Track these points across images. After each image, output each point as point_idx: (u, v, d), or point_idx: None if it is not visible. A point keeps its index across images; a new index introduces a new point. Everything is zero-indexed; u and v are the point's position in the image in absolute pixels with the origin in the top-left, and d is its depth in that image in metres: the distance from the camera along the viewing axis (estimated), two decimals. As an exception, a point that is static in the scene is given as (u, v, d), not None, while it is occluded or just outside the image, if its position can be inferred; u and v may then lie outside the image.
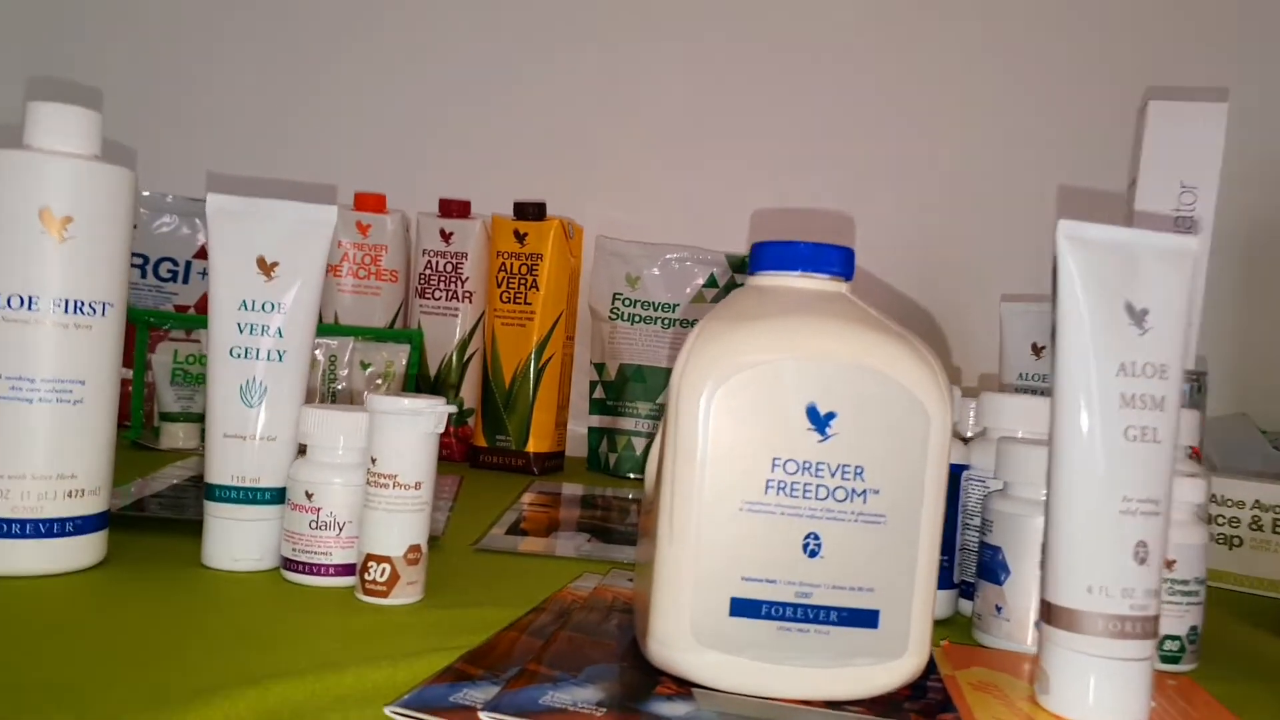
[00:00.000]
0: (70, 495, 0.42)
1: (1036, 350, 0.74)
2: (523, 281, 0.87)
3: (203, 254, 0.99)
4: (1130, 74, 0.93)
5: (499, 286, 0.87)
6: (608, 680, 0.34)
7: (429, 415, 0.43)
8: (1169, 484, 0.34)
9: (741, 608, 0.33)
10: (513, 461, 0.86)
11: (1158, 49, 0.95)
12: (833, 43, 1.00)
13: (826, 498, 0.33)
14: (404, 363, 0.87)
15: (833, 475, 0.33)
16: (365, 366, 0.86)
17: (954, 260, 0.98)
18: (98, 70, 1.03)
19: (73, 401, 0.42)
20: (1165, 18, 0.95)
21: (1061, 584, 0.34)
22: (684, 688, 0.34)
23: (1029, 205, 0.96)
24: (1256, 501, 0.58)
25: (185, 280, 1.00)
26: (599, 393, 0.92)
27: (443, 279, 0.91)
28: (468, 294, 0.91)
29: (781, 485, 0.33)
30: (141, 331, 0.82)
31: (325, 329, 0.86)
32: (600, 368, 0.92)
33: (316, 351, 0.84)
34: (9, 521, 0.41)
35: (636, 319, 0.91)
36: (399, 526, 0.43)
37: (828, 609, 0.33)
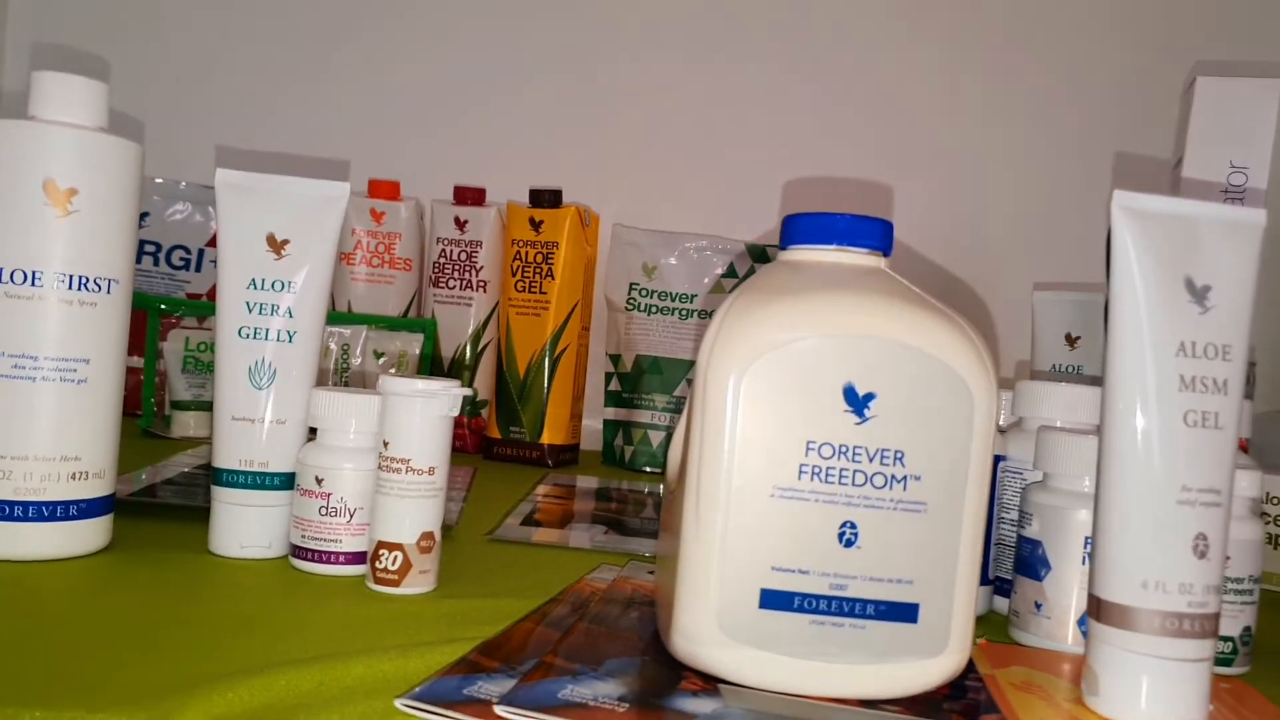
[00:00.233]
0: (74, 478, 0.41)
1: (1070, 340, 0.72)
2: (538, 270, 0.85)
3: (216, 242, 0.98)
4: (1178, 52, 0.90)
5: (514, 275, 0.86)
6: (629, 674, 0.32)
7: (443, 397, 0.41)
8: (1231, 473, 0.32)
9: (772, 600, 0.31)
10: (527, 453, 0.84)
11: (1206, 25, 0.92)
12: (863, 22, 0.98)
13: (864, 484, 0.31)
14: (417, 352, 0.85)
15: (871, 460, 0.31)
16: (379, 356, 0.84)
17: (986, 248, 0.96)
18: (109, 53, 1.02)
19: (77, 381, 0.41)
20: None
21: (1114, 578, 0.32)
22: (710, 684, 0.32)
23: (1064, 190, 0.93)
24: (1304, 498, 0.56)
25: (198, 269, 0.99)
26: (614, 385, 0.90)
27: (457, 267, 0.90)
28: (482, 283, 0.89)
29: (816, 470, 0.31)
30: (153, 318, 0.81)
31: (338, 317, 0.85)
32: (616, 359, 0.90)
33: (330, 341, 0.83)
34: (11, 504, 0.40)
35: (653, 309, 0.89)
36: (412, 513, 0.41)
37: (864, 602, 0.31)
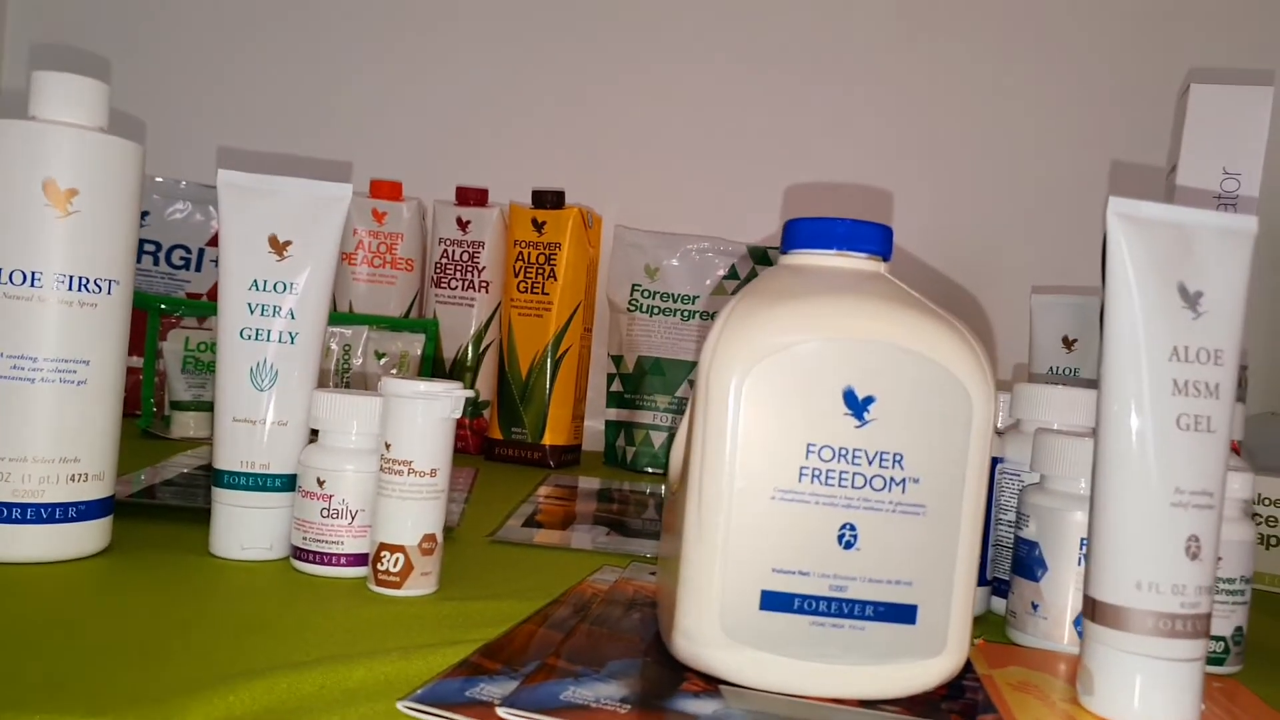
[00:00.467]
0: (73, 479, 0.41)
1: (1067, 343, 0.72)
2: (540, 271, 0.85)
3: (216, 242, 0.98)
4: (1173, 59, 0.90)
5: (516, 276, 0.86)
6: (631, 676, 0.32)
7: (445, 399, 0.41)
8: (1223, 476, 0.33)
9: (772, 601, 0.31)
10: (529, 454, 0.85)
11: (1201, 32, 0.92)
12: (865, 26, 0.98)
13: (864, 486, 0.31)
14: (419, 353, 0.86)
15: (870, 463, 0.31)
16: (380, 356, 0.84)
17: (983, 251, 0.96)
18: (109, 53, 1.02)
19: (76, 382, 0.41)
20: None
21: (1108, 579, 0.33)
22: (712, 685, 0.32)
23: (1061, 194, 0.94)
24: (1298, 500, 0.56)
25: (198, 268, 0.99)
26: (616, 386, 0.90)
27: (459, 268, 0.90)
28: (484, 283, 0.90)
29: (816, 473, 0.31)
30: (153, 318, 0.82)
31: (340, 318, 0.85)
32: (618, 360, 0.91)
33: (331, 342, 0.83)
34: (10, 506, 0.40)
35: (655, 311, 0.89)
36: (413, 515, 0.41)
37: (863, 603, 0.32)
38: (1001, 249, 0.96)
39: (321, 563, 0.43)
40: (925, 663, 0.32)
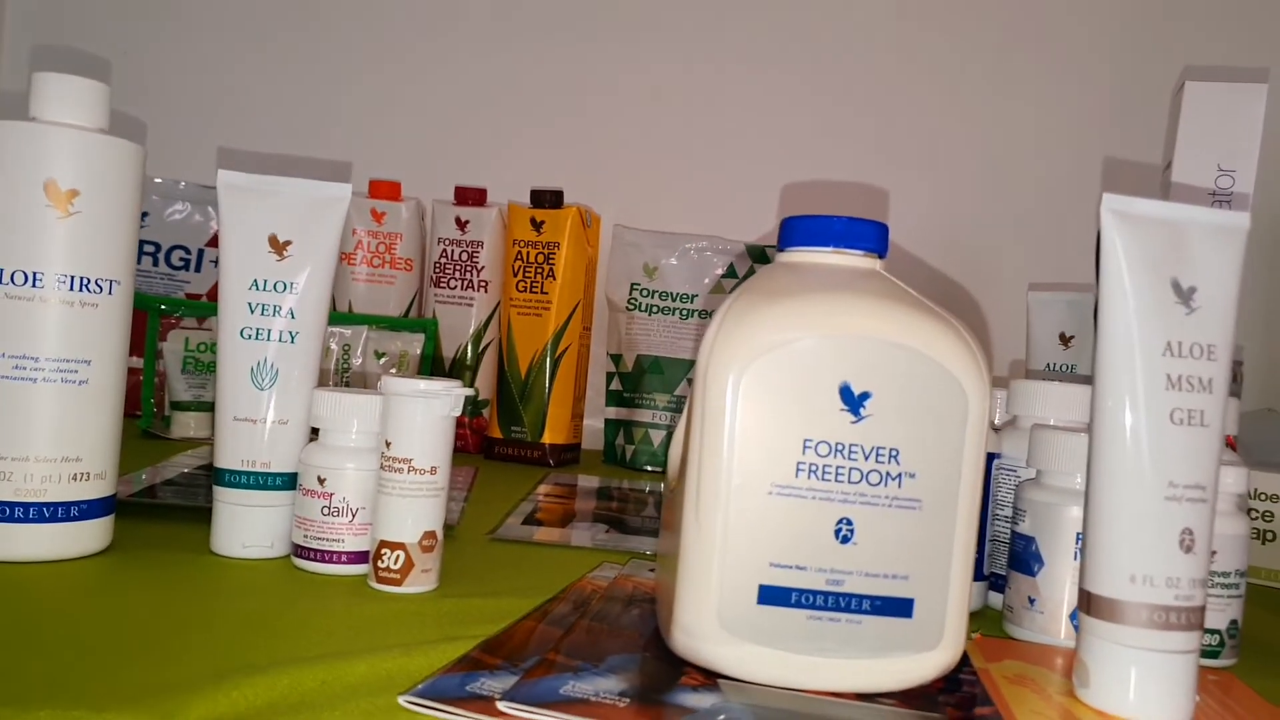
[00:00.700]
0: (75, 479, 0.42)
1: (1064, 340, 0.72)
2: (539, 270, 0.85)
3: (216, 242, 0.98)
4: (1169, 57, 0.91)
5: (515, 275, 0.86)
6: (630, 671, 0.33)
7: (445, 397, 0.42)
8: (1216, 470, 0.33)
9: (770, 595, 0.32)
10: (528, 453, 0.85)
11: (1197, 31, 0.92)
12: (863, 25, 0.98)
13: (860, 481, 0.32)
14: (418, 353, 0.86)
15: (867, 458, 0.32)
16: (380, 356, 0.85)
17: (981, 248, 0.96)
18: (110, 54, 1.02)
19: (78, 382, 0.41)
20: None
21: (1103, 573, 0.33)
22: (710, 679, 0.32)
23: (1059, 193, 0.94)
24: (1294, 495, 0.56)
25: (198, 269, 0.99)
26: (615, 384, 0.90)
27: (458, 268, 0.90)
28: (483, 283, 0.90)
29: (813, 468, 0.32)
30: (153, 318, 0.82)
31: (339, 318, 0.86)
32: (617, 359, 0.91)
33: (331, 341, 0.83)
34: (12, 505, 0.40)
35: (654, 309, 0.89)
36: (414, 512, 0.41)
37: (860, 597, 0.32)
38: (999, 246, 0.96)
39: (323, 560, 0.43)
40: (922, 656, 0.32)
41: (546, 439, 0.85)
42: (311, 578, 0.43)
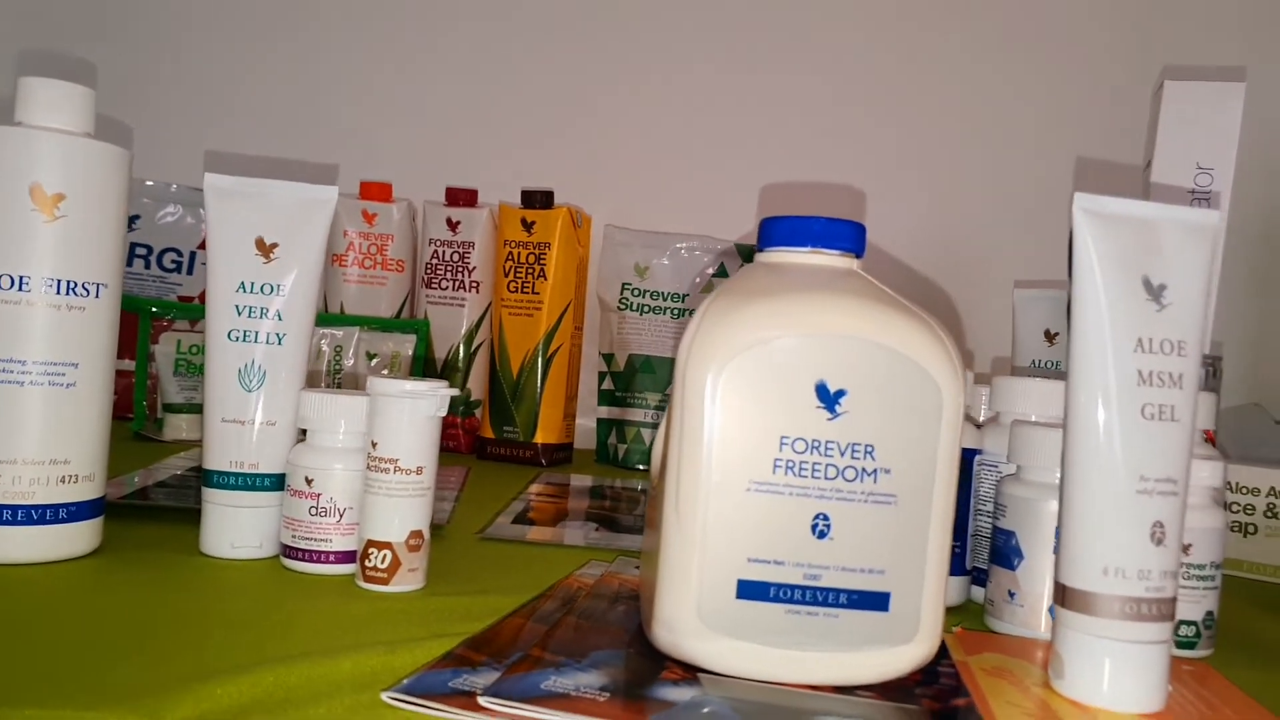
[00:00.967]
0: (63, 481, 0.42)
1: (1049, 337, 0.73)
2: (530, 271, 0.86)
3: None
4: (1149, 56, 0.91)
5: (506, 276, 0.87)
6: (613, 666, 0.33)
7: (430, 398, 0.42)
8: (1187, 464, 0.33)
9: (749, 590, 0.32)
10: (520, 453, 0.85)
11: (1177, 30, 0.93)
12: (851, 27, 0.99)
13: (836, 477, 0.32)
14: (410, 353, 0.86)
15: (842, 454, 0.32)
16: (371, 357, 0.85)
17: (967, 246, 0.97)
18: (96, 58, 1.02)
19: (65, 385, 0.42)
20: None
21: (1076, 566, 0.33)
22: (691, 673, 0.33)
23: (1044, 190, 0.95)
24: (1271, 489, 0.57)
25: (189, 271, 0.99)
26: (608, 384, 0.91)
27: (449, 268, 0.90)
28: (475, 284, 0.90)
29: (790, 465, 0.32)
30: (144, 321, 0.82)
31: (330, 319, 0.86)
32: (609, 358, 0.91)
33: (322, 342, 0.84)
34: (1, 507, 0.41)
35: (645, 309, 0.90)
36: (400, 512, 0.42)
37: (837, 591, 0.32)
38: (985, 245, 0.96)
39: (311, 560, 0.44)
40: (899, 649, 0.33)
41: (539, 439, 0.85)
42: (300, 577, 0.43)
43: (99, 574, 0.41)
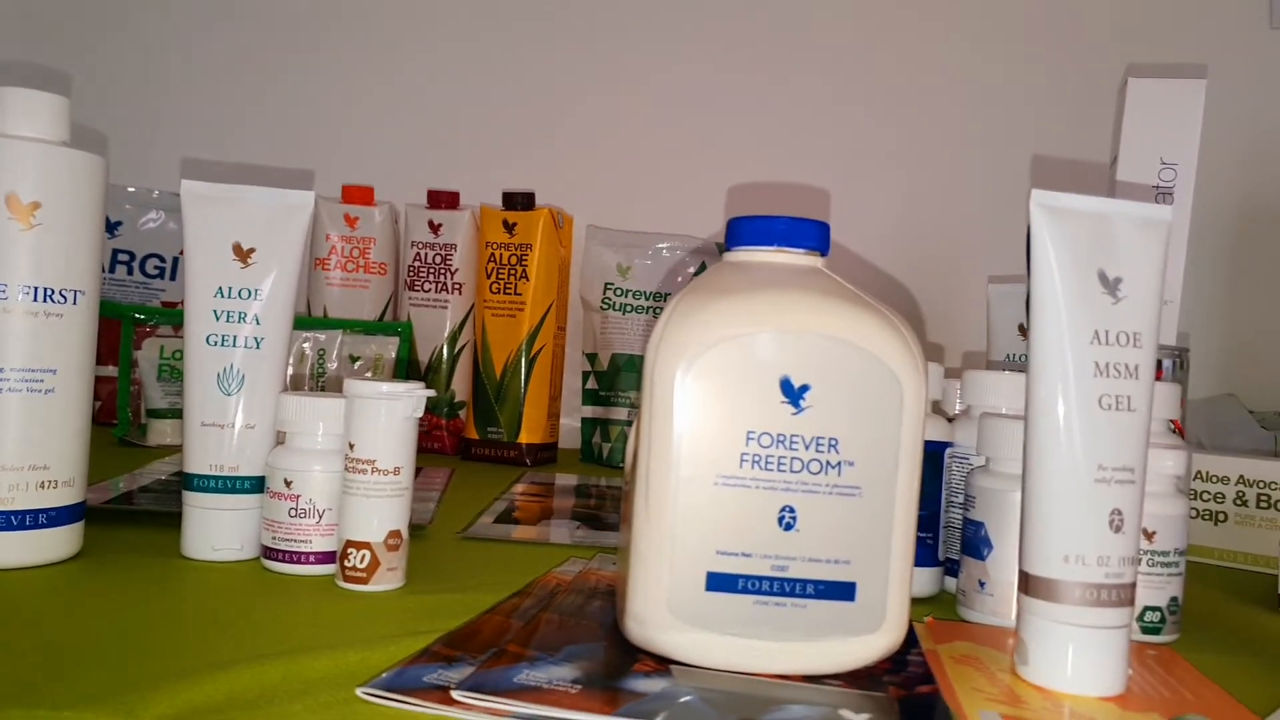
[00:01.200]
0: (43, 486, 0.42)
1: (1023, 331, 0.74)
2: (512, 272, 0.86)
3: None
4: (1114, 53, 0.93)
5: (488, 277, 0.87)
6: (586, 659, 0.34)
7: (406, 399, 0.42)
8: (1144, 452, 0.34)
9: (718, 582, 0.33)
10: (505, 453, 0.86)
11: (1140, 26, 0.94)
12: (829, 28, 0.99)
13: (801, 470, 0.33)
14: (393, 356, 0.87)
15: (807, 448, 0.33)
16: (354, 360, 0.85)
17: (942, 243, 0.98)
18: (70, 67, 1.02)
19: (44, 391, 0.42)
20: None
21: (1037, 554, 0.34)
22: (662, 665, 0.33)
23: (1018, 186, 0.96)
24: (1240, 477, 0.58)
25: (173, 277, 0.99)
26: (591, 383, 0.92)
27: (432, 270, 0.91)
28: (457, 285, 0.91)
29: (756, 459, 0.33)
30: (127, 327, 0.82)
31: (314, 322, 0.86)
32: (592, 358, 0.92)
33: (305, 346, 0.84)
34: (-17, 513, 0.41)
35: (628, 309, 0.91)
36: (378, 512, 0.42)
37: (804, 582, 0.33)
38: (959, 240, 0.97)
39: (291, 561, 0.44)
40: (866, 638, 0.33)
41: (523, 439, 0.86)
42: (280, 578, 0.43)
43: (79, 578, 0.42)
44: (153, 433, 0.81)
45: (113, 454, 0.74)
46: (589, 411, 0.91)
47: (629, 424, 0.89)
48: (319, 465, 0.44)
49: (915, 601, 0.46)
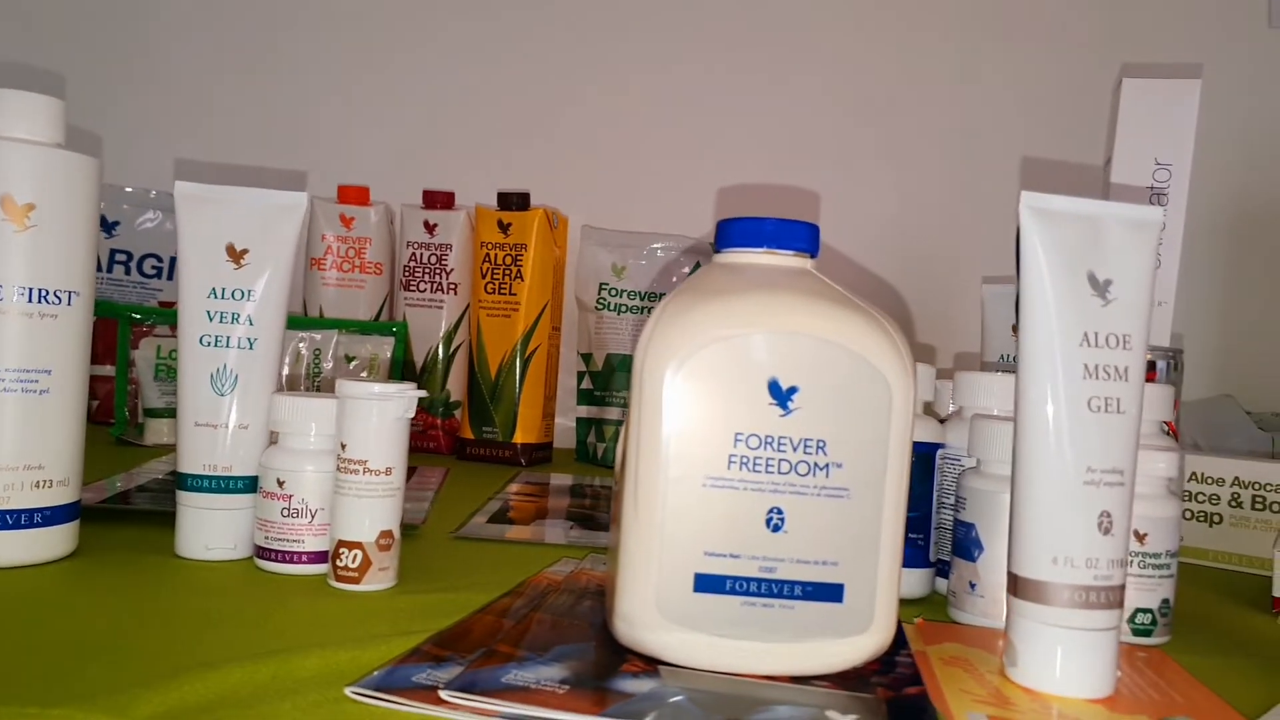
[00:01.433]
0: (38, 486, 0.42)
1: (1015, 331, 0.74)
2: (507, 272, 0.86)
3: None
4: (1109, 52, 0.93)
5: (483, 278, 0.87)
6: (574, 659, 0.34)
7: (398, 400, 0.43)
8: (1134, 455, 0.34)
9: (706, 583, 0.33)
10: (500, 453, 0.86)
11: (1135, 26, 0.94)
12: (824, 29, 0.99)
13: (789, 472, 0.33)
14: (389, 356, 0.87)
15: (795, 449, 0.33)
16: (350, 360, 0.86)
17: (937, 243, 0.98)
18: (67, 63, 1.03)
19: (39, 391, 0.42)
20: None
21: (1026, 556, 0.34)
22: (650, 665, 0.33)
23: (1012, 187, 0.96)
24: (1235, 479, 0.58)
25: (170, 277, 0.99)
26: (586, 383, 0.92)
27: (427, 271, 0.91)
28: (452, 285, 0.91)
29: (744, 460, 0.33)
30: (124, 327, 0.82)
31: (309, 322, 0.86)
32: (587, 358, 0.92)
33: (301, 346, 0.84)
34: (-23, 512, 0.41)
35: (623, 309, 0.91)
36: (370, 512, 0.42)
37: (792, 583, 0.33)
38: (953, 241, 0.97)
39: (283, 561, 0.44)
40: (853, 639, 0.34)
41: (518, 439, 0.86)
42: (273, 578, 0.44)
43: (73, 577, 0.42)
44: (150, 432, 0.81)
45: (110, 453, 0.74)
46: (584, 411, 0.91)
47: (623, 424, 0.89)
48: (311, 465, 0.44)
49: (907, 603, 0.46)
